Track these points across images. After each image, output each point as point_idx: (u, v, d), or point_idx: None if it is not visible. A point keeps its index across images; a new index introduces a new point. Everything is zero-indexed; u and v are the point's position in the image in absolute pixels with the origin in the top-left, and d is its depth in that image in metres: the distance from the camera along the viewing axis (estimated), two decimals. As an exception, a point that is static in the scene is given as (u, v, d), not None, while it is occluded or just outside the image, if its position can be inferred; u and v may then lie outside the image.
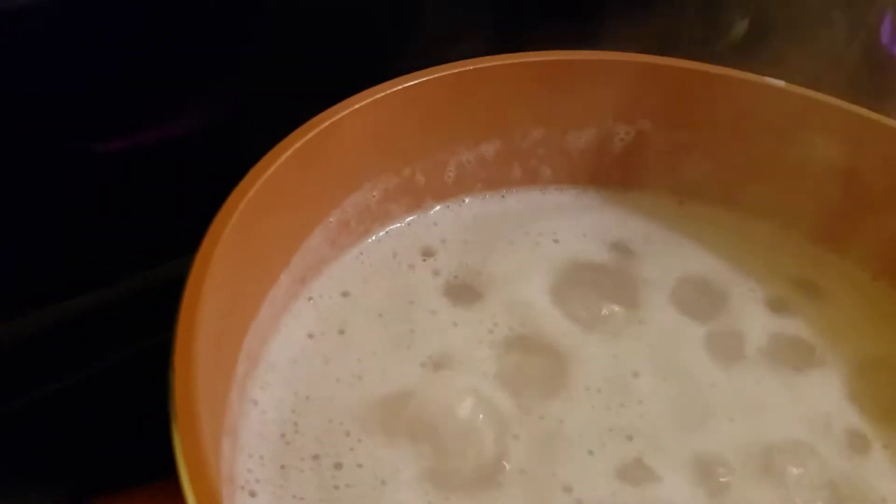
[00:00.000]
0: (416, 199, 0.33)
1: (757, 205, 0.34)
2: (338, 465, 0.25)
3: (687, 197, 0.35)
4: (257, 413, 0.26)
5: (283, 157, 0.26)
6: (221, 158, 0.26)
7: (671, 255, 0.33)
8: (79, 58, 0.27)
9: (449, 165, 0.33)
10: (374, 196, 0.31)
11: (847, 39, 0.47)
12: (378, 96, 0.29)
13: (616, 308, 0.31)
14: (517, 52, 0.32)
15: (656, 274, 0.33)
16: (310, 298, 0.29)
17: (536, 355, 0.29)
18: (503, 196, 0.35)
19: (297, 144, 0.27)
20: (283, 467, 0.25)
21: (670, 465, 0.27)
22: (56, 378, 0.31)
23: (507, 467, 0.26)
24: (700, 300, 0.32)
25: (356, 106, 0.29)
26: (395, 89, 0.30)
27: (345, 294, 0.30)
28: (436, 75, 0.30)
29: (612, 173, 0.35)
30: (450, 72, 0.31)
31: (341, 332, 0.29)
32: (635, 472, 0.26)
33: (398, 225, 0.33)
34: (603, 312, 0.31)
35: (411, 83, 0.30)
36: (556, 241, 0.33)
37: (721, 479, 0.27)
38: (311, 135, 0.27)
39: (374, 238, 0.32)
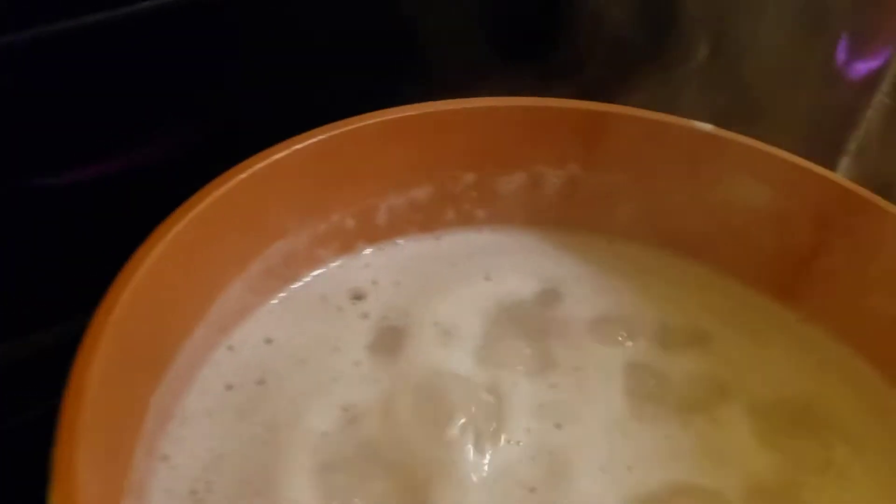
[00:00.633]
0: (347, 242, 0.33)
1: (686, 246, 0.35)
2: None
3: (617, 237, 0.35)
4: (166, 469, 0.26)
5: (196, 211, 0.26)
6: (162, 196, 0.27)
7: (600, 296, 0.34)
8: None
9: (380, 210, 0.33)
10: (300, 242, 0.31)
11: (805, 60, 0.47)
12: (299, 146, 0.29)
13: (542, 352, 0.31)
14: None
15: (585, 315, 0.33)
16: (230, 347, 0.30)
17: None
18: (437, 238, 0.35)
19: (210, 198, 0.27)
20: (193, 527, 0.25)
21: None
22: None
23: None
24: (619, 336, 0.32)
25: (276, 156, 0.29)
26: (317, 139, 0.30)
27: (268, 341, 0.30)
28: (359, 124, 0.30)
29: (547, 214, 0.36)
30: (375, 120, 0.31)
31: (261, 382, 0.29)
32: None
33: (328, 268, 0.33)
34: (528, 355, 0.31)
35: (333, 133, 0.30)
36: (488, 279, 0.34)
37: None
38: (225, 187, 0.27)
39: (301, 282, 0.32)
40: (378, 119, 0.31)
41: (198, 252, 0.27)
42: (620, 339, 0.32)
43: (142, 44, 0.29)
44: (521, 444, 0.28)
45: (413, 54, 0.35)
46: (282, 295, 0.32)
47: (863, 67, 0.47)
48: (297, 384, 0.29)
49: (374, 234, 0.34)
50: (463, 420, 0.28)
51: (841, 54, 0.47)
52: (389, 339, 0.31)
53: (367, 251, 0.34)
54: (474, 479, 0.27)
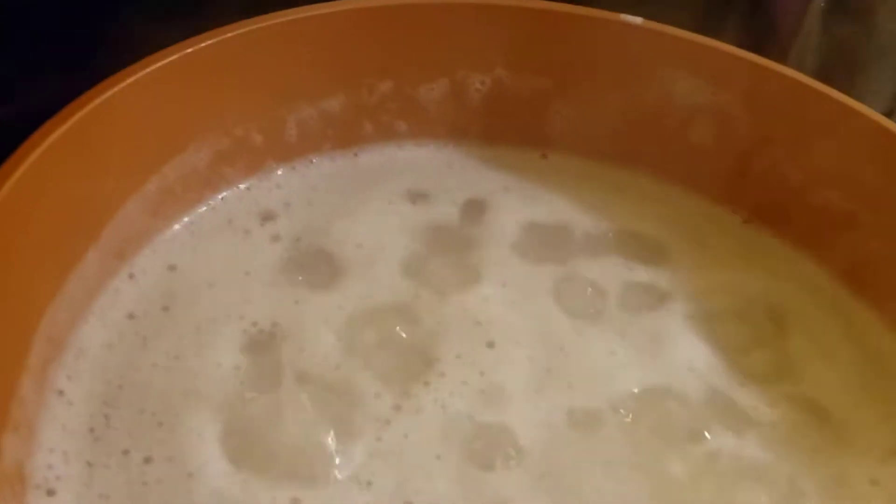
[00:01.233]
0: (255, 160, 0.30)
1: (622, 152, 0.33)
2: (147, 460, 0.23)
3: (550, 150, 0.33)
4: (62, 405, 0.24)
5: (76, 118, 0.24)
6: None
7: (530, 206, 0.31)
8: None
9: (288, 123, 0.31)
10: (201, 158, 0.29)
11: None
12: (189, 50, 0.26)
13: (470, 270, 0.29)
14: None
15: (515, 226, 0.31)
16: (131, 275, 0.27)
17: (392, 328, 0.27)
18: (355, 154, 0.33)
19: (91, 105, 0.24)
20: (89, 464, 0.23)
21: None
22: None
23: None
24: (554, 250, 0.30)
25: (165, 61, 0.26)
26: (213, 41, 0.27)
27: (171, 268, 0.28)
28: (256, 26, 0.28)
29: (473, 126, 0.33)
30: (273, 21, 0.28)
31: (165, 309, 0.26)
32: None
33: (235, 190, 0.30)
34: (455, 271, 0.29)
35: (227, 35, 0.27)
36: (410, 199, 0.31)
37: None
38: (108, 93, 0.24)
39: (206, 206, 0.29)
40: (278, 20, 0.28)
41: (78, 164, 0.24)
42: (548, 251, 0.30)
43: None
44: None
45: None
46: (186, 220, 0.29)
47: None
48: (204, 310, 0.26)
49: (285, 151, 0.31)
50: (392, 348, 0.26)
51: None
52: (307, 262, 0.28)
53: (279, 171, 0.31)
54: (404, 408, 0.25)
